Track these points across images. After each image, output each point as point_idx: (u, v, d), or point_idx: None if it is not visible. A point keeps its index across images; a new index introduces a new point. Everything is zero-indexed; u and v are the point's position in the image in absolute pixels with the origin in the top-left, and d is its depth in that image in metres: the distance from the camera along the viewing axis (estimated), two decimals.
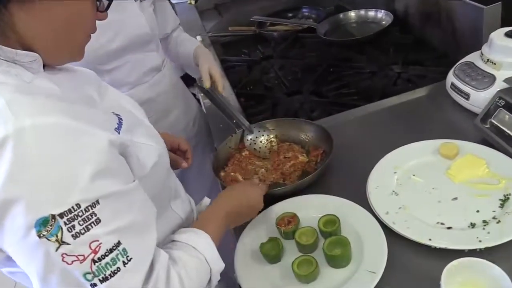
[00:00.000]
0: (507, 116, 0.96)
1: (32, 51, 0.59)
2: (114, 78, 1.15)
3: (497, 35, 1.07)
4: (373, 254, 0.80)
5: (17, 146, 0.49)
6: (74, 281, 0.53)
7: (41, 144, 0.51)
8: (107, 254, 0.53)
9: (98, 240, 0.53)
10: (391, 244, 0.80)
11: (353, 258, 0.80)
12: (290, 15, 2.09)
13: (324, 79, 1.50)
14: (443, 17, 1.42)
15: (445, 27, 1.42)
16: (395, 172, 0.96)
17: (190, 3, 2.40)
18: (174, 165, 0.98)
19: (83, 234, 0.52)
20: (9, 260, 0.57)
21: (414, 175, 0.95)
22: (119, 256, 0.54)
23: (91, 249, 0.52)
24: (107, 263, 0.53)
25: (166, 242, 0.71)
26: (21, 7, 0.55)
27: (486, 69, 1.09)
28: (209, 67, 1.25)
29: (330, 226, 0.85)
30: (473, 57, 1.15)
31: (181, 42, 1.40)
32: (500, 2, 1.19)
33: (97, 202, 0.53)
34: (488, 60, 1.08)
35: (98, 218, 0.53)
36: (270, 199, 0.95)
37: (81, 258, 0.52)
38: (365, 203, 0.90)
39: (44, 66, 0.62)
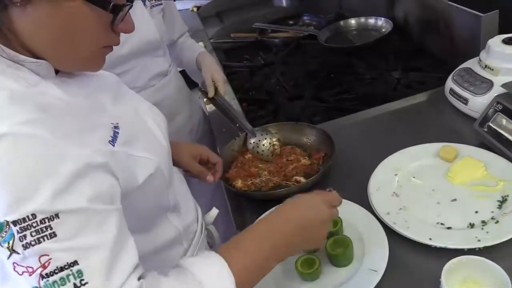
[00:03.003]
0: (504, 120, 0.98)
1: (38, 56, 0.59)
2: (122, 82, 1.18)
3: (495, 42, 1.10)
4: (374, 253, 0.81)
5: None
6: None
7: (10, 151, 0.50)
8: (56, 271, 0.50)
9: (48, 255, 0.49)
10: (392, 244, 0.82)
11: (355, 257, 0.82)
12: (291, 22, 2.13)
13: (325, 84, 1.53)
14: (441, 24, 1.45)
15: (444, 34, 1.45)
16: (395, 174, 0.98)
17: (193, 10, 2.44)
18: (199, 177, 0.98)
19: (33, 245, 0.49)
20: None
21: (414, 177, 0.97)
22: (70, 277, 0.50)
23: (40, 263, 0.49)
24: (55, 281, 0.49)
25: (161, 260, 0.67)
26: (21, 11, 0.55)
27: (484, 74, 1.11)
28: (212, 73, 1.27)
29: (332, 226, 0.87)
30: (471, 63, 1.18)
31: (186, 48, 1.43)
32: (497, 10, 1.22)
33: (56, 216, 0.50)
34: (486, 66, 1.11)
35: (53, 232, 0.50)
36: (274, 200, 0.97)
37: (30, 270, 0.50)
38: (366, 204, 0.92)
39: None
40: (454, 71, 1.20)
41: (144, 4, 1.21)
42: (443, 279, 0.69)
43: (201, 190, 1.39)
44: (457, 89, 1.16)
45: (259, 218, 0.73)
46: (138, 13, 1.17)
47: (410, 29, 1.68)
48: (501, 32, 1.19)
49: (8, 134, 0.50)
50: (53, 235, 0.50)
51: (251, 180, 1.08)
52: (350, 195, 0.95)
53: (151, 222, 0.74)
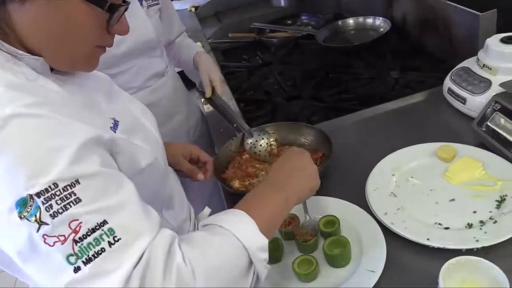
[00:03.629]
0: (503, 119, 0.98)
1: (34, 53, 0.59)
2: (119, 82, 1.16)
3: (493, 41, 1.09)
4: (372, 253, 0.81)
5: None
6: (60, 264, 0.51)
7: (21, 131, 0.51)
8: (89, 234, 0.51)
9: (78, 219, 0.51)
10: (389, 244, 0.82)
11: (353, 258, 0.82)
12: (289, 22, 2.12)
13: (323, 84, 1.53)
14: (440, 24, 1.45)
15: (442, 34, 1.45)
16: (393, 174, 0.98)
17: (191, 10, 2.44)
18: (190, 176, 0.99)
19: (61, 213, 0.50)
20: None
21: (412, 177, 0.97)
22: (104, 236, 0.51)
23: (71, 228, 0.50)
24: (90, 243, 0.51)
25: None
26: (19, 6, 0.56)
27: (482, 74, 1.11)
28: (210, 73, 1.27)
29: (330, 226, 0.86)
30: (469, 63, 1.18)
31: (183, 47, 1.42)
32: (495, 9, 1.22)
33: (77, 181, 0.52)
34: (484, 65, 1.10)
35: (77, 198, 0.51)
36: None
37: (61, 238, 0.50)
38: (364, 205, 0.92)
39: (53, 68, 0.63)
40: (452, 70, 1.20)
41: (141, 4, 1.20)
42: (441, 279, 0.68)
43: (198, 191, 1.39)
44: (455, 88, 1.15)
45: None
46: (135, 13, 1.16)
47: (408, 29, 1.67)
48: (499, 31, 1.18)
49: (14, 115, 0.51)
50: (78, 200, 0.51)
51: (248, 180, 1.08)
52: (347, 195, 0.95)
53: None
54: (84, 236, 0.51)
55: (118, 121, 0.66)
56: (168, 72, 1.34)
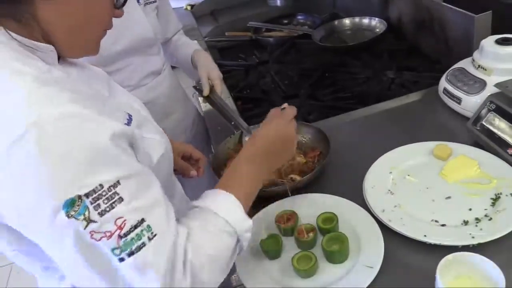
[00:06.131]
0: (497, 119, 0.99)
1: (49, 42, 0.62)
2: (115, 80, 1.15)
3: (488, 42, 1.11)
4: (370, 249, 0.82)
5: (39, 135, 0.52)
6: (103, 257, 0.55)
7: (61, 132, 0.53)
8: (132, 230, 0.56)
9: (122, 217, 0.55)
10: (387, 241, 0.83)
11: (351, 254, 0.83)
12: (286, 21, 2.13)
13: (320, 83, 1.54)
14: (435, 25, 1.47)
15: (438, 35, 1.46)
16: (390, 172, 0.99)
17: (187, 8, 2.44)
18: (183, 173, 1.01)
19: (108, 211, 0.55)
20: (18, 240, 0.60)
21: (409, 175, 0.98)
22: (144, 232, 0.57)
23: (116, 225, 0.55)
24: (133, 238, 0.56)
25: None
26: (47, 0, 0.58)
27: (477, 74, 1.12)
28: (208, 72, 1.27)
29: (328, 223, 0.87)
30: (464, 63, 1.19)
31: (181, 45, 1.42)
32: (490, 11, 1.24)
33: (118, 182, 0.56)
34: (479, 66, 1.12)
35: (120, 197, 0.56)
36: (269, 197, 0.98)
37: (108, 234, 0.55)
38: (361, 202, 0.93)
39: (58, 60, 0.64)
40: (448, 70, 1.22)
41: (138, 2, 1.20)
42: (438, 275, 0.70)
43: (196, 189, 1.39)
44: (451, 88, 1.17)
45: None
46: (132, 10, 1.16)
47: (404, 29, 1.69)
48: (493, 32, 1.21)
49: (52, 117, 0.53)
50: (121, 199, 0.56)
51: None
52: (345, 192, 0.96)
53: None
54: (128, 232, 0.56)
55: (131, 115, 0.67)
56: (165, 70, 1.34)
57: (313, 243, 0.86)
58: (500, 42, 1.09)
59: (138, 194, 0.58)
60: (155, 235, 0.58)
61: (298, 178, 1.05)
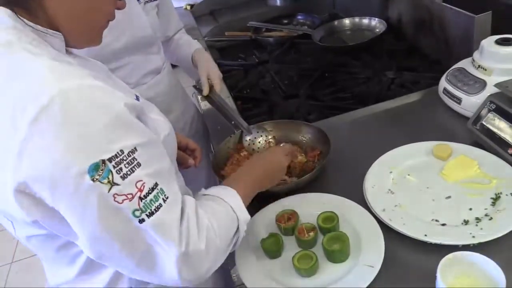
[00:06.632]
0: (497, 119, 1.00)
1: (56, 31, 0.64)
2: None
3: (488, 42, 1.11)
4: (370, 249, 0.82)
5: (64, 104, 0.55)
6: (124, 219, 0.59)
7: (84, 100, 0.56)
8: (150, 192, 0.60)
9: (142, 180, 0.59)
10: (388, 240, 0.83)
11: (352, 253, 0.83)
12: (286, 21, 2.13)
13: (320, 83, 1.54)
14: (435, 25, 1.47)
15: (438, 35, 1.47)
16: (390, 172, 0.99)
17: (186, 8, 2.44)
18: (181, 163, 1.01)
19: (129, 175, 0.58)
20: (35, 223, 0.61)
21: (409, 175, 0.98)
22: (159, 194, 0.61)
23: (137, 188, 0.59)
24: (151, 199, 0.60)
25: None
26: None
27: (477, 74, 1.13)
28: (208, 71, 1.27)
29: (329, 222, 0.87)
30: (464, 63, 1.20)
31: (182, 44, 1.42)
32: (490, 11, 1.24)
33: (135, 149, 0.59)
34: (479, 66, 1.12)
35: (138, 162, 0.59)
36: (270, 197, 0.98)
37: (130, 196, 0.58)
38: (362, 201, 0.93)
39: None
40: (448, 71, 1.22)
41: (138, 0, 1.20)
42: (438, 274, 0.70)
43: (192, 189, 1.39)
44: (451, 88, 1.17)
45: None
46: (132, 9, 1.16)
47: (404, 30, 1.69)
48: (493, 32, 1.21)
49: (74, 87, 0.57)
50: (139, 164, 0.59)
51: None
52: (345, 192, 0.96)
53: None
54: (147, 194, 0.60)
55: (138, 96, 0.71)
56: (165, 69, 1.34)
57: (314, 242, 0.86)
58: (500, 42, 1.10)
59: (152, 161, 0.62)
60: (167, 197, 0.62)
61: (296, 179, 1.05)
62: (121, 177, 0.57)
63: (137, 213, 0.59)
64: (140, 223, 0.59)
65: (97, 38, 0.71)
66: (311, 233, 0.86)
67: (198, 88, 1.32)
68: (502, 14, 1.23)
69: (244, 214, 0.75)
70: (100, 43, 0.72)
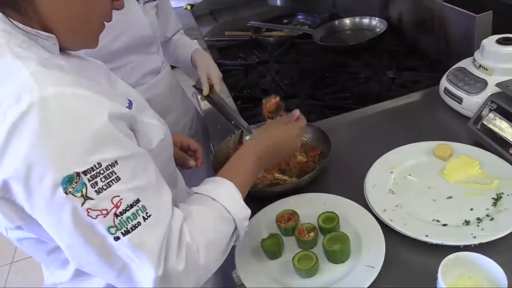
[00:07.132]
0: (498, 119, 0.99)
1: (50, 33, 0.62)
2: None
3: (489, 42, 1.11)
4: (371, 249, 0.82)
5: (42, 112, 0.53)
6: (98, 235, 0.56)
7: (63, 110, 0.55)
8: (127, 209, 0.57)
9: (119, 196, 0.56)
10: (388, 241, 0.82)
11: (352, 254, 0.82)
12: (286, 21, 2.13)
13: (320, 83, 1.53)
14: (436, 24, 1.47)
15: (438, 35, 1.46)
16: (391, 172, 0.99)
17: (186, 8, 2.43)
18: (181, 164, 1.01)
19: (105, 189, 0.56)
20: (18, 228, 0.61)
21: (410, 175, 0.98)
22: (139, 212, 0.58)
23: (113, 203, 0.56)
24: (128, 217, 0.57)
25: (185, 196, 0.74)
26: None
27: (478, 74, 1.12)
28: (208, 71, 1.27)
29: (329, 222, 0.87)
30: (465, 63, 1.19)
31: (181, 45, 1.42)
32: (491, 11, 1.23)
33: (116, 162, 0.57)
34: (480, 65, 1.12)
35: (118, 176, 0.57)
36: (270, 197, 0.98)
37: (104, 212, 0.56)
38: (362, 202, 0.92)
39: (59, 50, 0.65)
40: (449, 70, 1.21)
41: (137, 0, 1.20)
42: (440, 275, 0.69)
43: (194, 181, 1.39)
44: (452, 88, 1.17)
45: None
46: (131, 8, 1.16)
47: (404, 29, 1.69)
48: (494, 32, 1.20)
49: (55, 95, 0.55)
50: (118, 178, 0.57)
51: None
52: (346, 192, 0.96)
53: None
54: (124, 211, 0.57)
55: (131, 100, 0.68)
56: (164, 69, 1.34)
57: (314, 242, 0.86)
58: (501, 41, 1.09)
59: (135, 175, 0.59)
60: (149, 215, 0.59)
61: (289, 179, 1.04)
62: (95, 191, 0.55)
63: (112, 230, 0.56)
64: (116, 241, 0.57)
65: (93, 40, 0.69)
66: (312, 234, 0.85)
67: (198, 88, 1.32)
68: (503, 14, 1.22)
69: (242, 211, 0.71)
70: (96, 45, 0.70)
